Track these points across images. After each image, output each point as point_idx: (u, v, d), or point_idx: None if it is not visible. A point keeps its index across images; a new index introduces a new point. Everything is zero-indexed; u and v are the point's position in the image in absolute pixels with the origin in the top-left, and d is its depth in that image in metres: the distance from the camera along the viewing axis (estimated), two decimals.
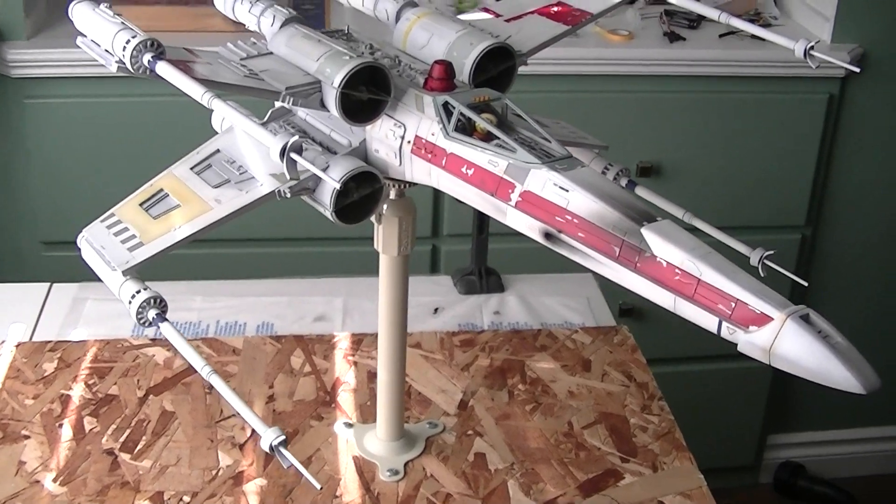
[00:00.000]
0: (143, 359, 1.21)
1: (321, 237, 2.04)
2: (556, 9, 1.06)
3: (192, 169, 0.91)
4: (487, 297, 1.45)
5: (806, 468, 2.56)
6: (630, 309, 2.15)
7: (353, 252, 2.04)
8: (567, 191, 0.77)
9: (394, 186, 0.96)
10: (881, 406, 2.54)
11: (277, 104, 1.00)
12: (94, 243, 0.86)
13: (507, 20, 1.05)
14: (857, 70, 0.95)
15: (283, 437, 0.69)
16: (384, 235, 0.99)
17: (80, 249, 0.89)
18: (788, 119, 2.11)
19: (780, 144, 2.13)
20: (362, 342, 1.27)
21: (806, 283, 0.98)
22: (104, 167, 2.00)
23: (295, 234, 2.05)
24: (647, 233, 0.73)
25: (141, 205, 0.88)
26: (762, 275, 0.99)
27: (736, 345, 0.71)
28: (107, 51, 0.78)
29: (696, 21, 2.12)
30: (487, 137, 0.83)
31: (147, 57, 0.76)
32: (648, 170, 2.09)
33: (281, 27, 0.93)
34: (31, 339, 1.27)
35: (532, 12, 1.06)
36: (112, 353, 1.22)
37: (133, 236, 0.85)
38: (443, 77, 0.87)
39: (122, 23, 0.78)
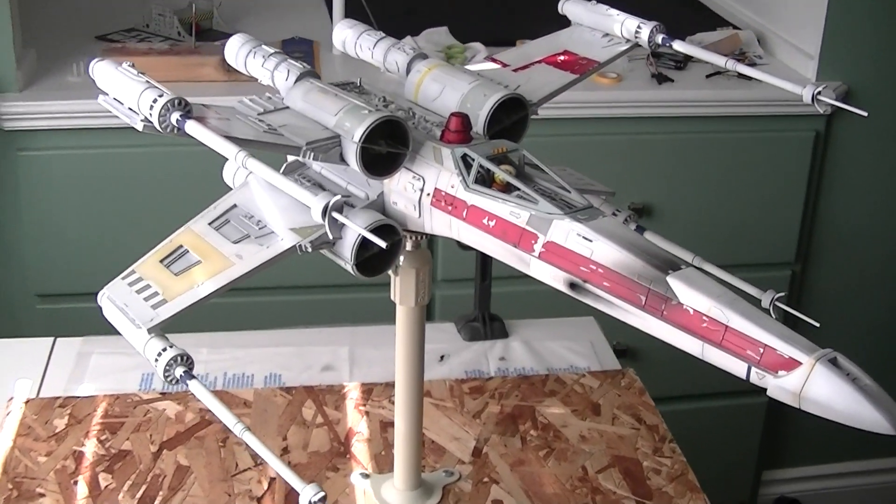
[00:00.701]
0: (154, 413, 1.21)
1: (322, 284, 2.05)
2: (562, 58, 1.08)
3: (210, 224, 0.92)
4: (492, 344, 1.45)
5: (801, 503, 2.57)
6: (624, 350, 2.16)
7: (355, 299, 2.06)
8: (591, 241, 0.78)
9: (410, 238, 0.97)
10: (874, 439, 2.54)
11: (291, 157, 1.02)
12: (117, 301, 0.86)
13: (515, 70, 1.07)
14: (865, 114, 0.97)
15: (324, 494, 0.69)
16: (401, 286, 0.99)
17: (101, 307, 0.89)
18: (776, 156, 2.14)
19: (768, 182, 2.15)
20: (372, 392, 1.27)
21: (818, 324, 0.99)
22: (98, 219, 2.00)
23: (296, 283, 2.05)
24: (672, 281, 0.74)
25: (161, 261, 0.89)
26: (773, 316, 1.00)
27: (765, 389, 0.72)
28: (131, 109, 0.79)
29: (682, 62, 2.15)
30: (507, 189, 0.84)
31: (175, 116, 0.77)
32: (639, 211, 2.11)
33: (296, 81, 0.94)
34: (38, 394, 1.27)
35: (539, 61, 1.08)
36: (122, 407, 1.21)
37: (155, 293, 0.85)
38: (460, 129, 0.89)
39: (147, 81, 0.78)
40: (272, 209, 0.91)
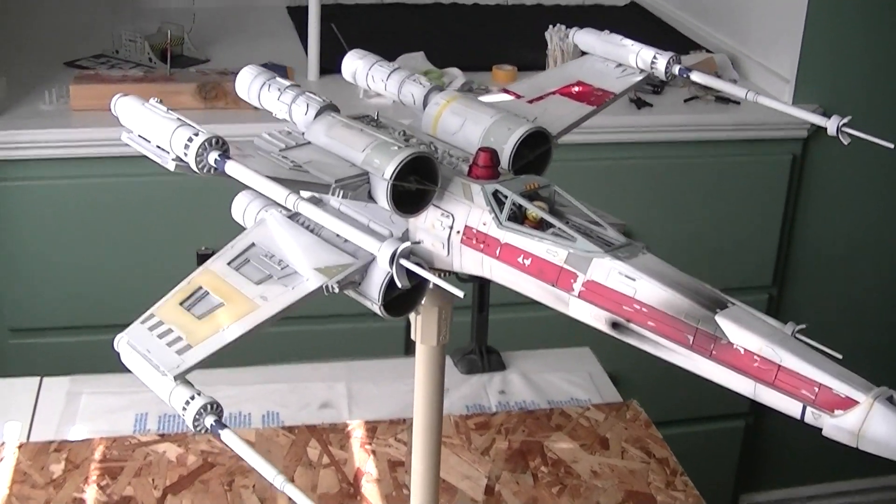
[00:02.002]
0: (154, 456, 1.17)
1: (314, 315, 2.01)
2: (577, 89, 1.06)
3: (229, 264, 0.88)
4: (490, 377, 1.44)
5: None
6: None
7: (349, 329, 2.03)
8: (633, 279, 0.76)
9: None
10: (849, 460, 2.56)
11: (307, 195, 0.99)
12: (138, 347, 0.82)
13: (530, 101, 1.05)
14: (892, 146, 0.96)
15: None
16: (423, 325, 0.97)
17: (118, 353, 0.86)
18: (753, 180, 2.15)
19: (745, 206, 2.17)
20: (377, 430, 1.25)
21: (840, 356, 0.98)
22: (72, 251, 1.95)
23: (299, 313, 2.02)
24: (722, 320, 0.72)
25: (181, 304, 0.85)
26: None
27: (822, 426, 0.70)
28: (160, 147, 0.76)
29: (659, 87, 2.15)
30: (541, 226, 0.82)
31: (213, 156, 0.73)
32: None
33: (316, 115, 0.92)
34: (28, 437, 1.22)
35: (553, 93, 1.06)
36: (121, 451, 1.18)
37: (179, 338, 0.82)
38: (488, 165, 0.87)
39: (179, 118, 0.75)
40: (294, 248, 0.88)
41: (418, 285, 0.89)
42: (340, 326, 2.07)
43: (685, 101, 2.12)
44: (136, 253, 1.96)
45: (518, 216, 0.84)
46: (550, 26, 2.24)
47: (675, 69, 1.03)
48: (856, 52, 2.10)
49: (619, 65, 1.07)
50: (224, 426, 0.77)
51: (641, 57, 1.04)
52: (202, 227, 1.90)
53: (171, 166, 0.74)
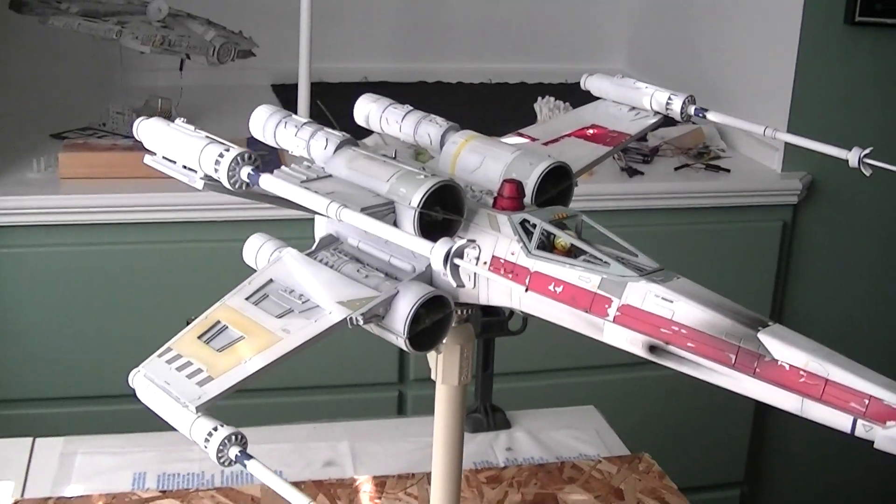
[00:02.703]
0: None
1: (313, 386, 1.99)
2: (591, 131, 1.06)
3: (247, 299, 0.87)
4: (496, 435, 1.41)
5: None
6: None
7: (348, 399, 2.00)
8: (671, 301, 0.75)
9: (455, 313, 0.93)
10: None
11: (325, 232, 0.97)
12: (156, 379, 0.80)
13: (545, 143, 1.05)
14: None
15: None
16: (444, 365, 0.95)
17: (134, 389, 0.83)
18: (744, 247, 2.16)
19: (737, 272, 2.17)
20: (386, 484, 1.21)
21: None
22: (59, 319, 1.92)
23: (286, 384, 1.99)
24: (765, 337, 0.71)
25: (199, 337, 0.83)
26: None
27: (874, 438, 0.68)
28: (186, 167, 0.74)
29: (649, 155, 2.17)
30: (571, 253, 0.81)
31: (246, 171, 0.72)
32: None
33: (336, 150, 0.90)
34: (22, 496, 1.18)
35: (568, 135, 1.06)
36: None
37: (199, 370, 0.79)
38: (514, 196, 0.86)
39: (208, 136, 0.74)
40: (314, 284, 0.87)
41: (443, 319, 0.87)
42: (333, 397, 2.04)
43: (675, 169, 2.14)
44: (125, 321, 1.93)
45: (547, 245, 0.83)
46: (539, 98, 2.27)
47: (691, 109, 1.03)
48: (843, 120, 2.13)
49: (633, 108, 1.08)
50: (250, 457, 0.74)
51: (656, 99, 1.05)
52: (193, 295, 1.87)
53: (199, 185, 0.72)
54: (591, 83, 1.10)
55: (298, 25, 2.27)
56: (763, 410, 2.33)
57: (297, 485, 1.21)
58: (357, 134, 0.98)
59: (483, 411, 1.43)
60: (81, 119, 2.26)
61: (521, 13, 2.82)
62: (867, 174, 0.95)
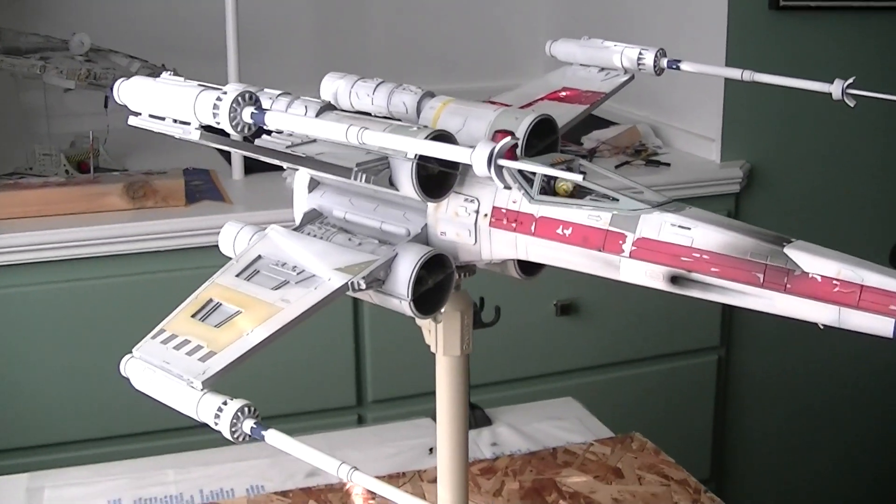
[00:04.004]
0: None
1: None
2: (564, 93, 1.04)
3: (238, 276, 0.82)
4: (478, 432, 1.37)
5: None
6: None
7: (291, 428, 1.93)
8: (689, 228, 0.73)
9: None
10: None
11: (308, 208, 0.93)
12: (153, 360, 0.75)
13: (520, 108, 1.03)
14: None
15: None
16: (445, 334, 0.91)
17: (127, 378, 0.77)
18: None
19: None
20: None
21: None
22: (21, 361, 1.82)
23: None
24: (792, 251, 0.69)
25: (193, 316, 0.78)
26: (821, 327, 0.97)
27: None
28: (177, 121, 0.70)
29: (587, 157, 2.17)
30: (574, 196, 0.79)
31: (249, 111, 0.67)
32: (568, 307, 2.08)
33: (317, 115, 0.87)
34: None
35: (541, 99, 1.04)
36: None
37: (199, 347, 0.75)
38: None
39: (201, 84, 0.69)
40: (306, 255, 0.83)
41: (444, 281, 0.84)
42: (290, 426, 1.97)
43: (616, 167, 2.14)
44: (70, 363, 1.84)
45: (548, 190, 0.80)
46: None
47: (664, 62, 1.02)
48: (778, 109, 2.17)
49: (602, 69, 1.06)
50: (266, 427, 0.69)
51: (627, 56, 1.03)
52: (138, 334, 1.80)
53: (195, 136, 0.68)
54: (556, 49, 1.08)
55: (218, 61, 2.25)
56: (723, 407, 2.34)
57: (284, 494, 1.16)
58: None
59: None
60: (6, 165, 2.18)
61: (440, 36, 2.82)
62: (851, 105, 0.95)
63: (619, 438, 1.27)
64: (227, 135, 0.71)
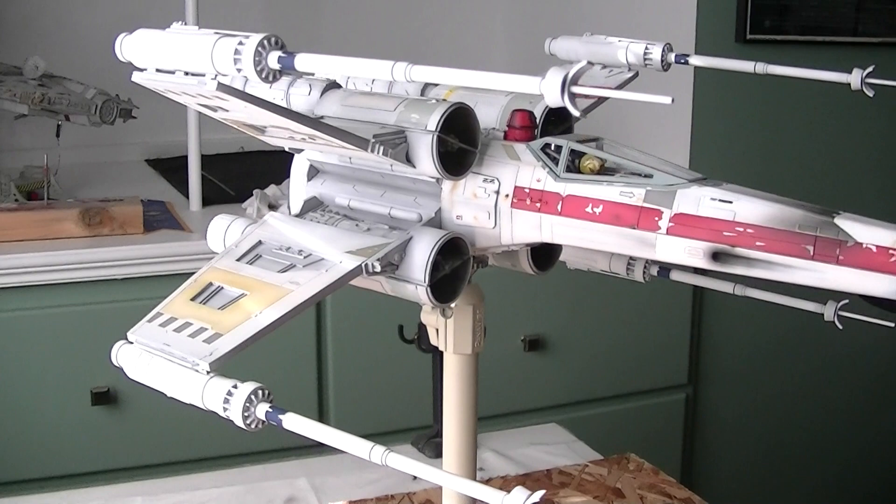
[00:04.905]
0: None
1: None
2: None
3: (238, 261, 0.76)
4: None
5: None
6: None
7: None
8: (730, 202, 0.69)
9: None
10: None
11: (307, 195, 0.87)
12: (152, 344, 0.68)
13: None
14: None
15: (543, 491, 0.54)
16: (455, 330, 0.86)
17: (121, 367, 0.71)
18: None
19: (654, 301, 2.15)
20: None
21: (893, 324, 0.93)
22: None
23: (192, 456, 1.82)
24: (843, 222, 0.65)
25: (193, 300, 0.72)
26: (839, 327, 0.93)
27: None
28: (189, 73, 0.64)
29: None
30: (604, 173, 0.74)
31: (275, 56, 0.61)
32: (535, 342, 2.04)
33: (322, 94, 0.81)
34: None
35: None
36: None
37: (203, 329, 0.68)
38: (527, 125, 0.79)
39: (217, 32, 0.63)
40: (313, 239, 0.77)
41: (460, 268, 0.79)
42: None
43: None
44: (19, 395, 1.74)
45: (573, 169, 0.76)
46: None
47: (671, 57, 0.99)
48: (741, 131, 2.18)
49: (605, 66, 1.03)
50: (283, 411, 0.63)
51: (632, 51, 0.99)
52: (94, 364, 1.72)
53: (211, 87, 0.62)
54: (556, 46, 1.04)
55: (167, 100, 2.18)
56: (691, 446, 2.30)
57: None
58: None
59: (443, 435, 1.33)
60: None
61: (392, 34, 2.74)
62: (870, 94, 0.92)
63: (614, 459, 1.21)
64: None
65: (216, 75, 0.62)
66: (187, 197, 2.08)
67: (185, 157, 2.08)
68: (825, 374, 2.42)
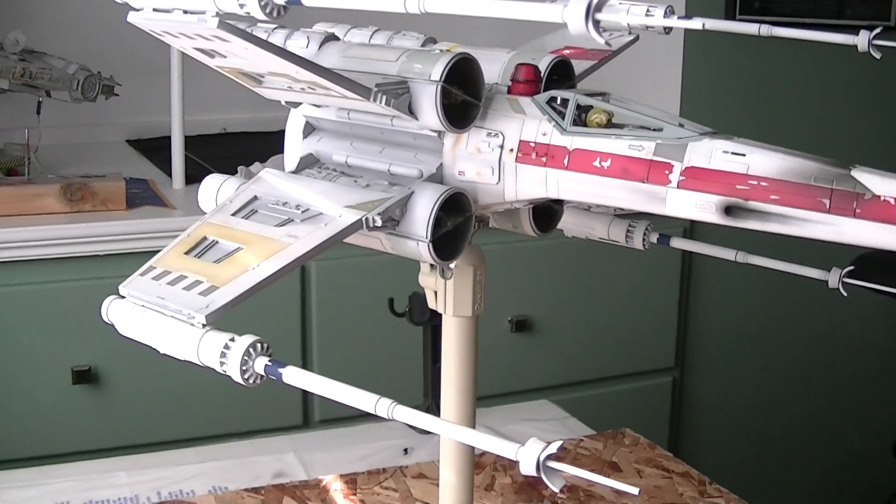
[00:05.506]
0: None
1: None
2: (568, 51, 0.98)
3: (234, 215, 0.74)
4: None
5: None
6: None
7: None
8: (743, 155, 0.67)
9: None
10: None
11: (304, 152, 0.85)
12: (145, 297, 0.65)
13: None
14: None
15: (560, 443, 0.52)
16: (455, 292, 0.83)
17: (111, 323, 0.68)
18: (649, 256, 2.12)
19: (643, 285, 2.13)
20: (357, 482, 1.07)
21: None
22: None
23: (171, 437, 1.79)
24: (860, 174, 0.63)
25: (187, 254, 0.69)
26: (844, 294, 0.91)
27: None
28: (187, 11, 0.61)
29: None
30: (611, 126, 0.72)
31: None
32: (522, 323, 2.02)
33: (320, 47, 0.79)
34: None
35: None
36: None
37: (198, 282, 0.66)
38: (532, 79, 0.77)
39: None
40: (311, 194, 0.75)
41: (462, 225, 0.76)
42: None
43: None
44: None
45: (580, 122, 0.73)
46: None
47: (674, 19, 0.97)
48: (731, 109, 2.17)
49: (605, 29, 1.00)
50: (283, 364, 0.61)
51: (633, 13, 0.98)
52: (75, 342, 1.68)
53: (213, 24, 0.59)
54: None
55: (150, 80, 2.16)
56: (677, 429, 2.29)
57: (256, 490, 1.06)
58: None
59: (435, 409, 1.30)
60: None
61: None
62: (877, 57, 0.90)
63: (609, 434, 1.20)
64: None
65: (217, 13, 0.59)
66: (170, 176, 2.05)
67: (167, 138, 2.05)
68: (812, 358, 2.41)
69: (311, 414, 1.96)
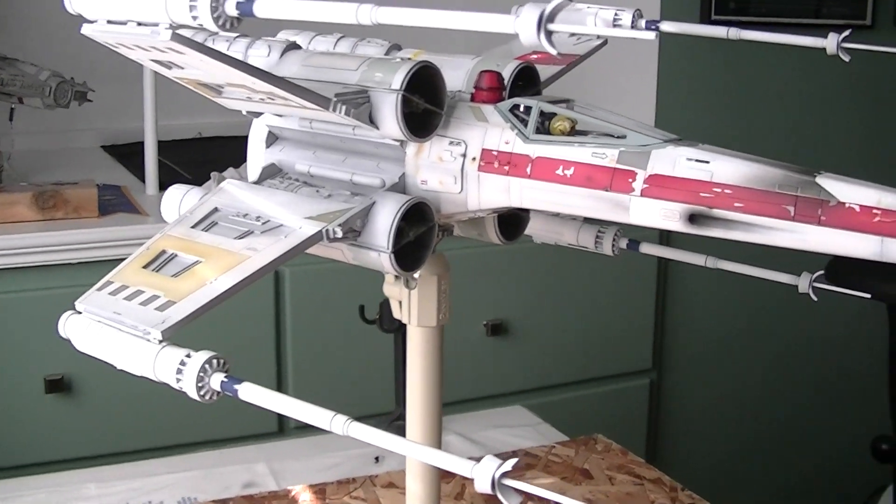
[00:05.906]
0: None
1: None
2: (535, 56, 0.98)
3: (193, 228, 0.72)
4: None
5: None
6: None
7: None
8: (707, 162, 0.66)
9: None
10: None
11: (266, 162, 0.84)
12: (101, 313, 0.64)
13: None
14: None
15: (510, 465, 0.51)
16: (420, 301, 0.82)
17: (68, 339, 0.67)
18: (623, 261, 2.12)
19: (619, 288, 2.13)
20: (326, 492, 1.06)
21: (868, 296, 0.91)
22: None
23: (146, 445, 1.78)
24: (825, 181, 0.63)
25: (145, 267, 0.68)
26: (814, 299, 0.91)
27: None
28: (141, 24, 0.60)
29: None
30: (575, 134, 0.71)
31: (233, 1, 0.57)
32: (498, 327, 2.01)
33: (282, 56, 0.78)
34: None
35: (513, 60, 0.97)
36: None
37: (155, 297, 0.65)
38: (495, 86, 0.76)
39: None
40: (272, 206, 0.74)
41: (424, 235, 0.75)
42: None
43: None
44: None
45: (543, 131, 0.73)
46: None
47: (642, 23, 0.96)
48: (706, 110, 2.17)
49: (573, 34, 1.00)
50: (239, 381, 0.60)
51: (601, 17, 0.97)
52: (47, 351, 1.67)
53: (166, 36, 0.58)
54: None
55: (124, 85, 2.14)
56: (655, 432, 2.29)
57: (223, 502, 1.05)
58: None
59: (406, 418, 1.30)
60: None
61: None
62: (846, 59, 0.89)
63: (581, 440, 1.19)
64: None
65: (171, 25, 0.58)
66: (144, 182, 2.04)
67: (142, 143, 2.03)
68: (790, 359, 2.42)
69: (285, 421, 1.95)
